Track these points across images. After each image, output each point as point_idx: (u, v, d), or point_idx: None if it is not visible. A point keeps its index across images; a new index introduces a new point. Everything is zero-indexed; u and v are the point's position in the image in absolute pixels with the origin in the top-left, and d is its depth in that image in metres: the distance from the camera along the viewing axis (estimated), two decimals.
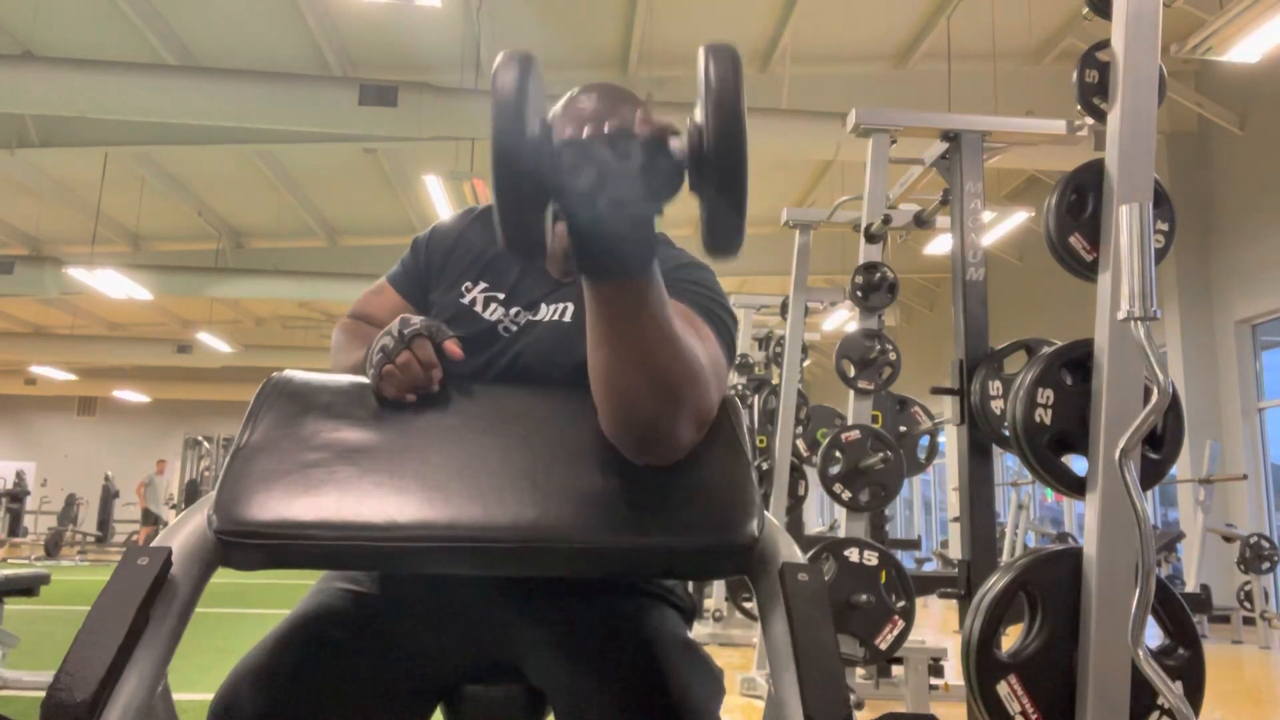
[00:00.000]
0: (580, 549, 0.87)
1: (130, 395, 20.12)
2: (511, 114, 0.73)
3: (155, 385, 19.53)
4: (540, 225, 0.76)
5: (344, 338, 1.22)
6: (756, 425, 6.32)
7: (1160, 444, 2.05)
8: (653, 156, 0.74)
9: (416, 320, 1.03)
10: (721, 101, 0.73)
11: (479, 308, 1.16)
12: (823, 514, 13.77)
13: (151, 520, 14.36)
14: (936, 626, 7.19)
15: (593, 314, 0.86)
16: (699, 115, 0.75)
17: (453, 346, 1.04)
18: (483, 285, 1.17)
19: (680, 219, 12.20)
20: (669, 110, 7.31)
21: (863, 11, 7.65)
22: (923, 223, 3.88)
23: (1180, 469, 7.48)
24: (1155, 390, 1.62)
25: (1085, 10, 2.28)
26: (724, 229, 0.76)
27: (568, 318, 1.13)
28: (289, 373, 1.05)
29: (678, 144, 0.75)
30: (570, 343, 1.10)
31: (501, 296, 1.16)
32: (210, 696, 0.94)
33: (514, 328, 1.14)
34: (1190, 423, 5.61)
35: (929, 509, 15.22)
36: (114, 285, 10.74)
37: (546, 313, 1.14)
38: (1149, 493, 2.31)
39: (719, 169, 0.73)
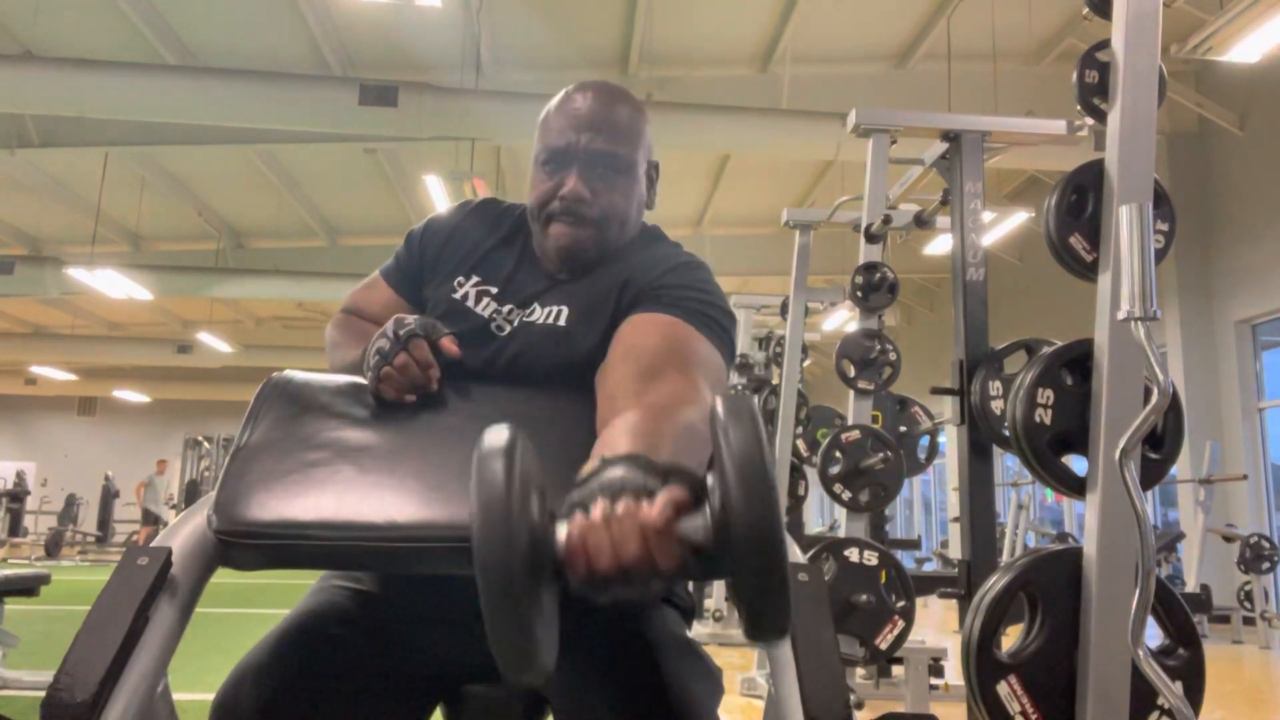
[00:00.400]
0: None
1: (130, 395, 20.13)
2: (501, 525, 0.62)
3: (155, 385, 19.55)
4: (545, 636, 0.66)
5: (338, 334, 1.21)
6: None
7: (1160, 444, 2.06)
8: (676, 577, 0.65)
9: (411, 320, 1.03)
10: (746, 473, 0.63)
11: (470, 302, 1.15)
12: (823, 514, 13.77)
13: (151, 520, 14.36)
14: (936, 626, 7.18)
15: None
16: (718, 486, 0.65)
17: (449, 344, 1.04)
18: (475, 279, 1.17)
19: (680, 219, 12.16)
20: (668, 110, 7.31)
21: (863, 11, 7.65)
22: (923, 223, 3.89)
23: (1180, 469, 7.47)
24: (1155, 390, 1.62)
25: (1085, 10, 2.28)
26: (765, 613, 0.65)
27: (562, 321, 1.12)
28: (289, 373, 1.05)
29: (697, 528, 0.65)
30: (566, 346, 1.10)
31: (494, 291, 1.15)
32: (210, 696, 0.94)
33: (506, 326, 1.13)
34: (1190, 423, 5.59)
35: (929, 509, 15.21)
36: (114, 285, 10.74)
37: (541, 314, 1.13)
38: (1149, 493, 2.31)
39: (750, 551, 0.62)
